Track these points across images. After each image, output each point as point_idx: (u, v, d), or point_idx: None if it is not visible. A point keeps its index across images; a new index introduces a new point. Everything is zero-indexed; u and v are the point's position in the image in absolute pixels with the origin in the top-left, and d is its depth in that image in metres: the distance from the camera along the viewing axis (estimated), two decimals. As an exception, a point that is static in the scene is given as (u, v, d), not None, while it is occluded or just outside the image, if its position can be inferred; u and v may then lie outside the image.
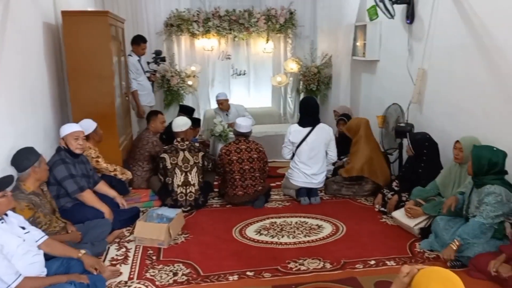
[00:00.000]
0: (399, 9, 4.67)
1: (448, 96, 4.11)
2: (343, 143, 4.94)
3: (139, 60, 5.75)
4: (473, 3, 3.71)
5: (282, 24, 6.93)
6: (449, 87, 4.10)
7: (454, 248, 3.08)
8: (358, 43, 5.83)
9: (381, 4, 4.44)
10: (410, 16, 4.58)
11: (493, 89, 3.54)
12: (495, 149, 3.15)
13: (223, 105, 6.15)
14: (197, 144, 4.51)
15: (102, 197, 3.76)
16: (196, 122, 5.49)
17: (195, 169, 4.27)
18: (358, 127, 4.67)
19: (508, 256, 2.89)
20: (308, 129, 4.47)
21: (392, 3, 4.47)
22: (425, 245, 3.41)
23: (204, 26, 6.73)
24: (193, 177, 4.25)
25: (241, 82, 7.42)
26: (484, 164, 3.11)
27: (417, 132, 4.19)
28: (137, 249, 3.46)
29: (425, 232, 3.54)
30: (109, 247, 3.46)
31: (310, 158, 4.46)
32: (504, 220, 3.08)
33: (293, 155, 4.53)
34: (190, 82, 6.71)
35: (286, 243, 3.55)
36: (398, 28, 4.88)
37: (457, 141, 3.56)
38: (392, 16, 4.54)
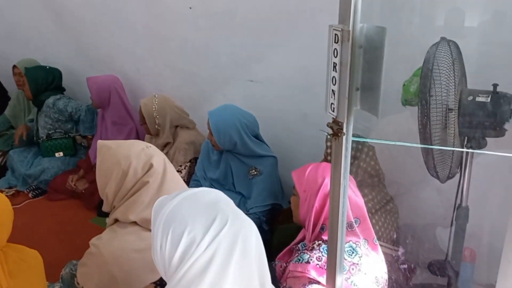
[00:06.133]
0: None
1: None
2: None
3: None
4: None
5: None
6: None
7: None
8: None
9: None
10: None
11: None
12: (48, 67, 3.19)
13: None
14: None
15: None
16: None
17: None
18: None
19: (85, 170, 3.03)
20: None
21: None
22: (2, 184, 3.12)
23: None
24: None
25: None
26: (43, 83, 3.14)
27: None
28: None
29: (2, 171, 3.24)
30: None
31: None
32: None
33: None
34: None
35: None
36: None
37: (15, 66, 3.26)
38: None
